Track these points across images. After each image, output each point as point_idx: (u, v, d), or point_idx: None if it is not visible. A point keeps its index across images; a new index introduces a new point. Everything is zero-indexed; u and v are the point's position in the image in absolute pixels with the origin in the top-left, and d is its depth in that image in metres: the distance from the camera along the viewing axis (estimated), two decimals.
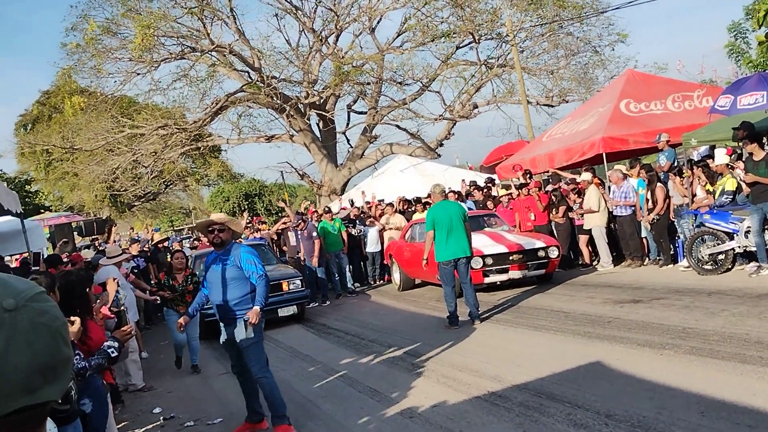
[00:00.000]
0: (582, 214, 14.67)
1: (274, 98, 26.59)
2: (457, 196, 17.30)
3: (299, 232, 16.08)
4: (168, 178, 35.79)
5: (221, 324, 6.91)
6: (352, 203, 20.67)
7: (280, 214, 44.07)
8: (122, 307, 5.71)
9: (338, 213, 19.46)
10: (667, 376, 6.53)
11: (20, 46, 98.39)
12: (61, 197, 40.13)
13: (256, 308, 6.55)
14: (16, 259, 14.68)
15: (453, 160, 35.63)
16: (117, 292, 6.92)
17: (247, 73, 27.94)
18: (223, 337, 6.95)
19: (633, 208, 13.90)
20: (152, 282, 14.55)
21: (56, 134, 31.30)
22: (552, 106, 28.69)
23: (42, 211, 34.04)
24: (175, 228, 57.34)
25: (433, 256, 10.98)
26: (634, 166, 14.65)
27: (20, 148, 36.50)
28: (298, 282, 13.50)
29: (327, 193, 28.87)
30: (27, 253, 11.08)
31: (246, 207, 47.35)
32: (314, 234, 15.97)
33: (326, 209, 17.66)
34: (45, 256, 11.87)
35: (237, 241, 7.35)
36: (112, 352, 4.54)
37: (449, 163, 29.47)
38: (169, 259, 16.41)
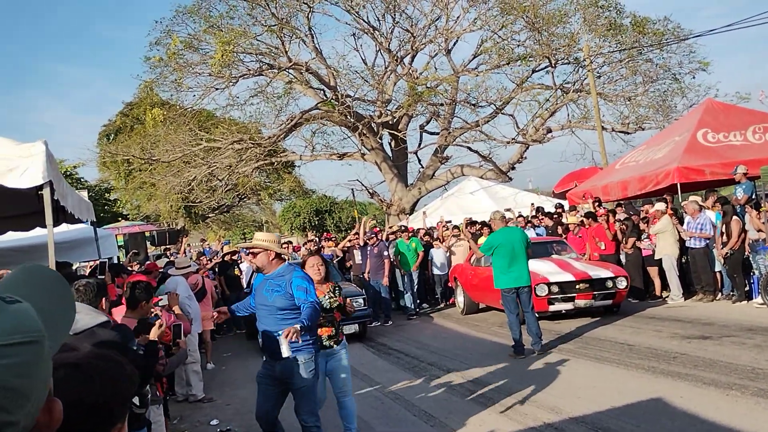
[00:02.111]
0: (654, 235, 14.27)
1: (348, 116, 26.89)
2: (525, 221, 17.16)
3: (369, 249, 16.10)
4: (242, 191, 36.45)
5: (265, 356, 6.14)
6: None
7: (349, 231, 44.40)
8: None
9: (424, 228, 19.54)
10: (731, 417, 6.32)
11: (107, 60, 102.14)
12: (139, 206, 41.25)
13: (296, 326, 5.53)
14: (90, 266, 15.11)
15: (526, 184, 35.38)
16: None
17: (322, 91, 28.34)
18: (262, 370, 6.14)
19: (707, 240, 13.53)
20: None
21: (136, 145, 32.21)
22: (628, 133, 28.22)
23: (119, 219, 35.04)
24: (247, 241, 58.23)
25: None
26: (707, 198, 14.27)
27: (102, 157, 37.70)
28: (361, 300, 13.52)
29: (396, 213, 28.95)
30: (97, 261, 11.46)
31: (316, 223, 47.77)
32: (384, 253, 16.00)
33: (402, 228, 17.63)
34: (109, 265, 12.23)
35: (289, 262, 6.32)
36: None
37: (521, 187, 29.28)
38: (237, 272, 16.60)
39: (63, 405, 1.26)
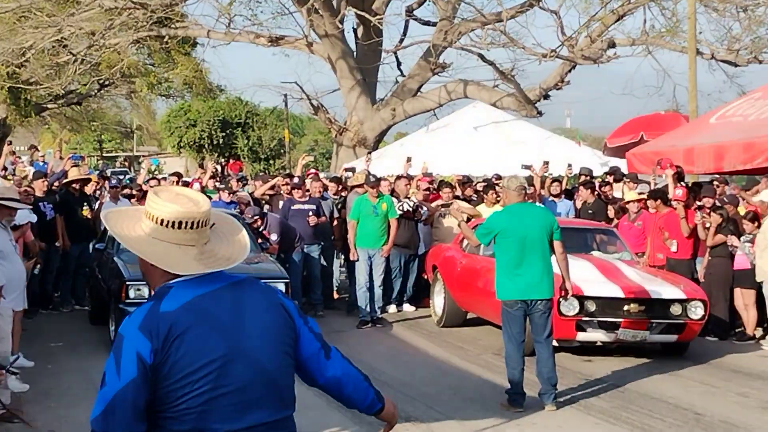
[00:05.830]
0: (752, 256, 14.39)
1: None
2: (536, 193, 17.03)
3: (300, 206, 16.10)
4: (106, 74, 35.87)
5: None
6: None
7: (272, 161, 44.15)
8: None
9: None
10: None
11: None
12: None
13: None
14: None
15: (562, 121, 35.39)
16: None
17: None
18: None
19: None
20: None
21: None
22: (736, 65, 28.17)
23: None
24: (104, 154, 57.50)
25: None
26: None
27: None
28: (282, 286, 13.52)
29: (351, 143, 28.74)
30: None
31: (221, 141, 47.19)
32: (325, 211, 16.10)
33: (370, 178, 16.62)
34: None
35: None
36: None
37: (554, 126, 29.19)
38: (86, 213, 16.34)
39: None
